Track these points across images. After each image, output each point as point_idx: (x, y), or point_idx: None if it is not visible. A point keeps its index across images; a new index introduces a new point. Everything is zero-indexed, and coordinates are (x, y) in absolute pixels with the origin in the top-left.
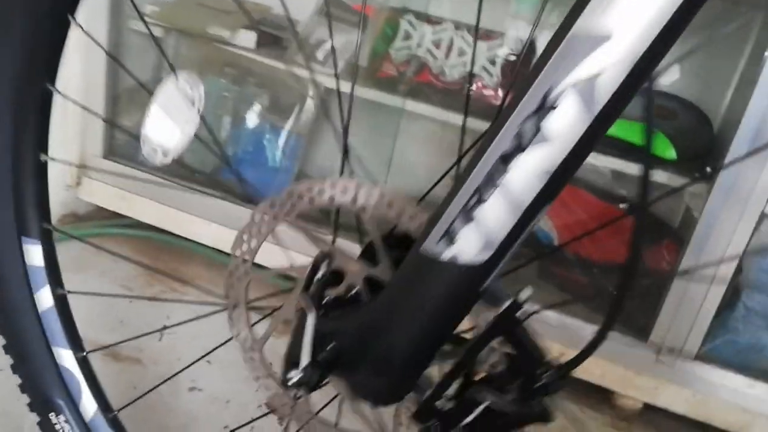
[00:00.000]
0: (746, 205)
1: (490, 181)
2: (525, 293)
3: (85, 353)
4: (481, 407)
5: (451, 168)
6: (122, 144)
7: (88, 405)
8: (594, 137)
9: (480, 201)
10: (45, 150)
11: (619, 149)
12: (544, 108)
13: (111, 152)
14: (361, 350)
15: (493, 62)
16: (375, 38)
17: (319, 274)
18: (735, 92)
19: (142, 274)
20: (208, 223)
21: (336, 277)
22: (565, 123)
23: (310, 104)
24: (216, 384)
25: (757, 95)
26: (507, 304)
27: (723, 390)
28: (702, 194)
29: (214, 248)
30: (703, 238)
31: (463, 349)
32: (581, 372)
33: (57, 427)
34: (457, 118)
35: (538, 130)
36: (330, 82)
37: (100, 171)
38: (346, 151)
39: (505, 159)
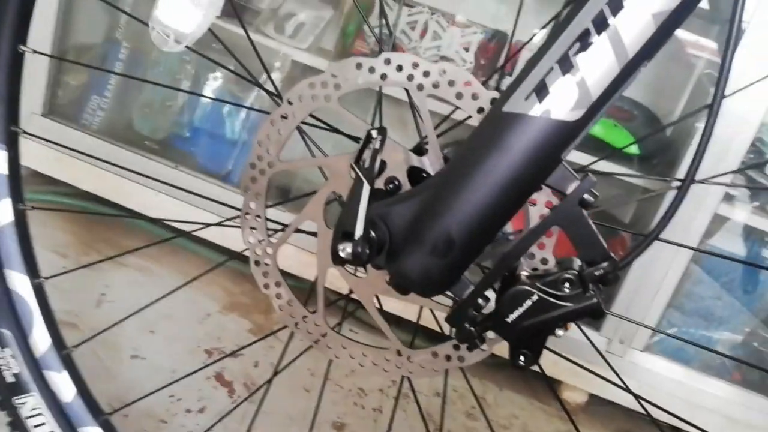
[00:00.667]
0: (701, 204)
1: (601, 22)
2: (591, 179)
3: (41, 280)
4: (531, 300)
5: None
6: (65, 103)
7: (40, 339)
8: None
9: (584, 47)
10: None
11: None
12: None
13: (51, 111)
14: (418, 230)
15: (467, 49)
16: (346, 17)
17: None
18: (688, 99)
19: (77, 242)
20: (155, 193)
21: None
22: None
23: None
24: (160, 354)
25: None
26: (575, 185)
27: (667, 382)
28: (658, 193)
29: (157, 221)
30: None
31: (516, 240)
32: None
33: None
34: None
35: None
36: (298, 56)
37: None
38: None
39: None
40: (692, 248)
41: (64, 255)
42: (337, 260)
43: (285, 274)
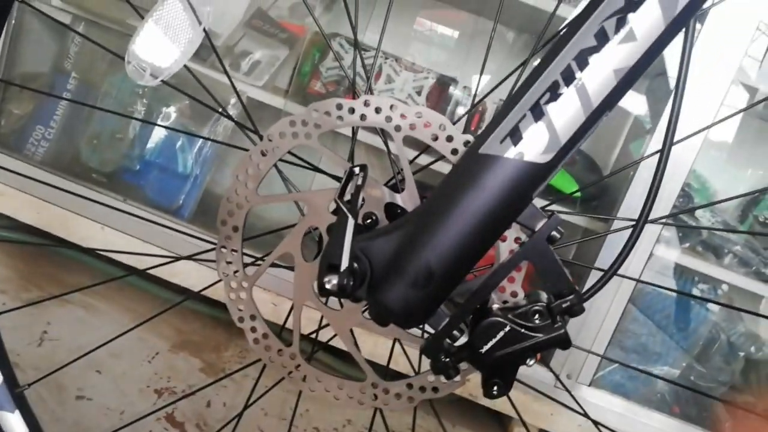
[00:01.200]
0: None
1: (569, 76)
2: (558, 217)
3: None
4: (504, 331)
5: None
6: (7, 132)
7: None
8: (669, 37)
9: (554, 97)
10: None
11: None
12: (631, 3)
13: None
14: (399, 263)
15: (419, 92)
16: (302, 58)
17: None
18: (622, 147)
19: (17, 277)
20: (101, 227)
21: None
22: (648, 20)
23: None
24: (107, 394)
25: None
26: (543, 222)
27: (611, 414)
28: (597, 230)
29: (103, 258)
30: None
31: (489, 273)
32: (483, 399)
33: None
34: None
35: (621, 25)
36: (253, 93)
37: None
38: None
39: (585, 55)
40: (654, 284)
41: (3, 291)
42: (323, 292)
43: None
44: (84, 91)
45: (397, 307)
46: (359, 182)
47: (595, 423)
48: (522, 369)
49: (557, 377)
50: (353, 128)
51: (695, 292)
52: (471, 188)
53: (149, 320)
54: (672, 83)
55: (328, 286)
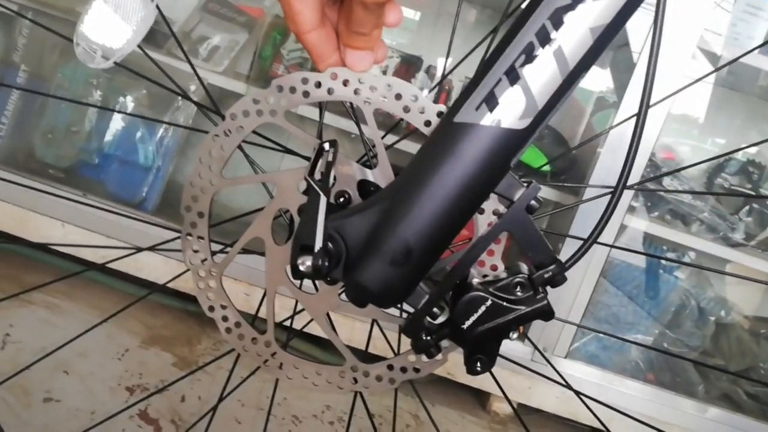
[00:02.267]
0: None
1: (544, 37)
2: (536, 186)
3: None
4: (485, 305)
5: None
6: None
7: None
8: None
9: (529, 59)
10: None
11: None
12: None
13: None
14: (376, 240)
15: (384, 72)
16: (262, 41)
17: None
18: (588, 120)
19: None
20: (62, 224)
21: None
22: None
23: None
24: (76, 395)
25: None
26: (521, 191)
27: (587, 384)
28: (567, 203)
29: (65, 255)
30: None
31: (468, 247)
32: (461, 377)
33: None
34: (343, 123)
35: None
36: (213, 79)
37: None
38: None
39: (560, 13)
40: (629, 249)
41: None
42: (297, 274)
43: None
44: (35, 84)
45: (375, 287)
46: (330, 158)
47: (577, 393)
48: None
49: (537, 348)
50: (321, 104)
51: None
52: (447, 159)
53: (114, 315)
54: (635, 56)
55: (302, 268)
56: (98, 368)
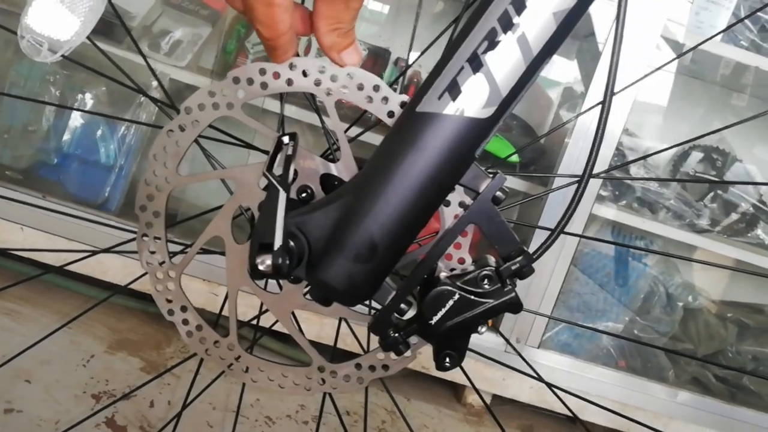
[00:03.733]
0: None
1: (506, 22)
2: (502, 176)
3: None
4: (453, 300)
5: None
6: None
7: None
8: None
9: (492, 46)
10: None
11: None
12: None
13: None
14: (339, 237)
15: None
16: (225, 35)
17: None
18: (556, 111)
19: None
20: (20, 228)
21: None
22: None
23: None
24: (40, 404)
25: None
26: (487, 182)
27: (561, 373)
28: (542, 198)
29: (26, 260)
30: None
31: (434, 241)
32: (435, 371)
33: None
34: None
35: None
36: (176, 74)
37: None
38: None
39: None
40: (596, 239)
41: None
42: (257, 274)
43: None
44: None
45: (339, 285)
46: (289, 152)
47: (549, 385)
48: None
49: (508, 342)
50: (281, 96)
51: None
52: (410, 150)
53: (75, 319)
54: (600, 46)
55: (261, 268)
56: (62, 376)
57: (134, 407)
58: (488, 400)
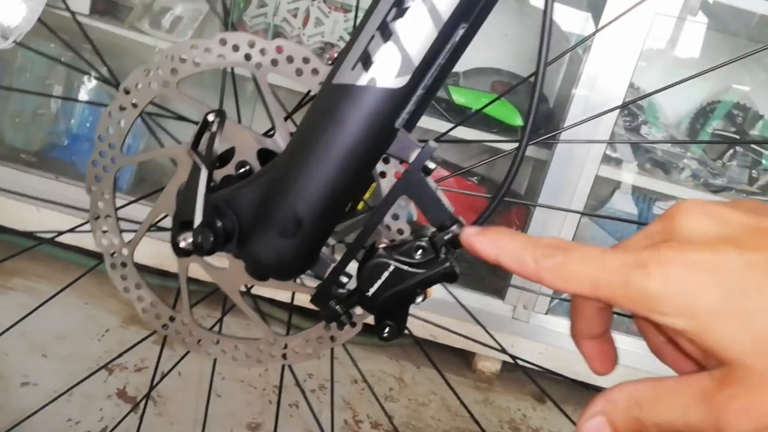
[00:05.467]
0: (582, 170)
1: None
2: (431, 146)
3: None
4: (388, 271)
5: None
6: None
7: None
8: None
9: (400, 13)
10: None
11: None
12: None
13: None
14: (265, 212)
15: (350, 33)
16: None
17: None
18: (565, 73)
19: None
20: (37, 208)
21: (223, 159)
22: None
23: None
24: (54, 378)
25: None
26: (416, 152)
27: (569, 339)
28: (546, 161)
29: (42, 239)
30: (548, 201)
31: (368, 215)
32: (443, 337)
33: None
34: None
35: None
36: None
37: None
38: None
39: None
40: (594, 215)
41: None
42: (179, 252)
43: (150, 272)
44: None
45: (269, 260)
46: (213, 129)
47: (513, 357)
48: (479, 302)
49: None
50: (223, 72)
51: (656, 211)
52: (328, 123)
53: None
54: None
55: (182, 245)
56: (77, 350)
57: (145, 379)
58: (499, 367)
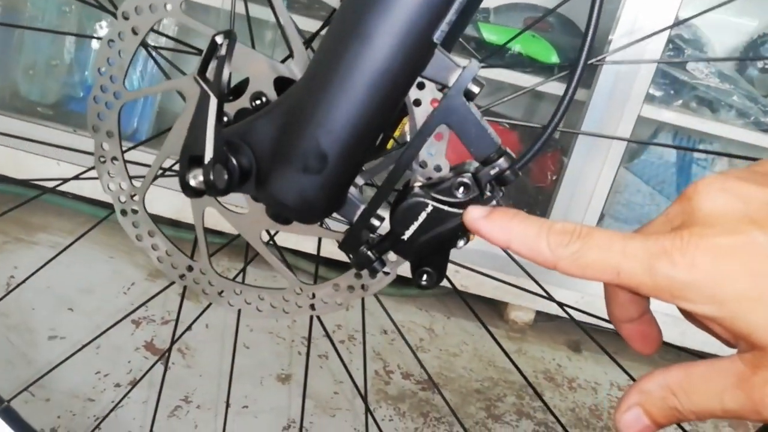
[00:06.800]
0: (623, 109)
1: None
2: (474, 65)
3: None
4: (426, 212)
5: None
6: None
7: None
8: None
9: None
10: None
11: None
12: None
13: None
14: (285, 147)
15: None
16: None
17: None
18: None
19: None
20: (57, 162)
21: (237, 92)
22: None
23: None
24: (80, 331)
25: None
26: (458, 73)
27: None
28: (584, 101)
29: (62, 193)
30: (585, 147)
31: (402, 149)
32: (474, 287)
33: None
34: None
35: None
36: None
37: None
38: None
39: None
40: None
41: None
42: (190, 191)
43: (165, 222)
44: (7, 18)
45: (291, 201)
46: (222, 52)
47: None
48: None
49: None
50: None
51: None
52: (353, 38)
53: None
54: None
55: (192, 183)
56: (104, 303)
57: (172, 331)
58: (532, 317)
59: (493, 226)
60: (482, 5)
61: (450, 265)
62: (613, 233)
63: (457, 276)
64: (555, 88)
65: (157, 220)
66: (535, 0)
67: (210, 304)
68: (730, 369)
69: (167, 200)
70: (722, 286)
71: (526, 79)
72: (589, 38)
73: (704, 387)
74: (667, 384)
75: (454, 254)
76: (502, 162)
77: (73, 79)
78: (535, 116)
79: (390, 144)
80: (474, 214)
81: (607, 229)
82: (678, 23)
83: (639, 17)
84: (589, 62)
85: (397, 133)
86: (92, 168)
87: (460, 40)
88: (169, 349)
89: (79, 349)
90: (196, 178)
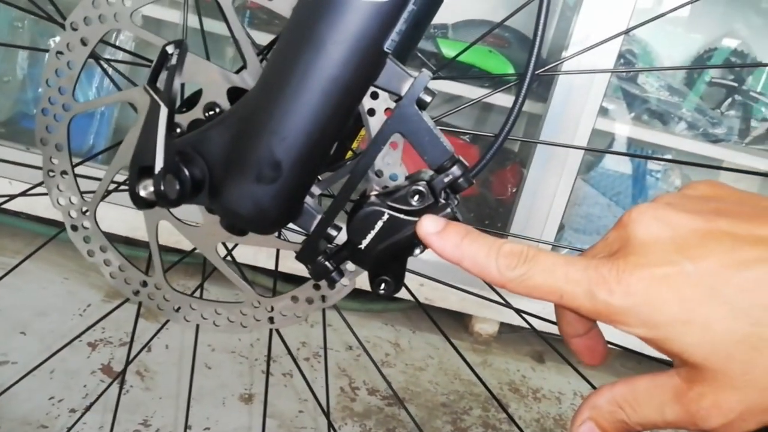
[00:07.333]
0: (579, 122)
1: None
2: (426, 74)
3: None
4: (382, 220)
5: None
6: None
7: None
8: None
9: None
10: None
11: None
12: None
13: None
14: (238, 156)
15: None
16: None
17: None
18: (558, 23)
19: None
20: (9, 181)
21: (190, 103)
22: None
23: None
24: (33, 355)
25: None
26: (411, 82)
27: None
28: (540, 114)
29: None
30: (542, 159)
31: (356, 160)
32: (439, 301)
33: None
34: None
35: None
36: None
37: None
38: None
39: None
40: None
41: None
42: (140, 202)
43: (120, 241)
44: None
45: (245, 211)
46: (173, 62)
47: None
48: None
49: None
50: (184, 3)
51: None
52: (305, 46)
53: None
54: None
55: (143, 194)
56: (58, 326)
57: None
58: (496, 329)
59: (445, 244)
60: (441, 21)
61: (415, 279)
62: (557, 258)
63: (422, 290)
64: (507, 100)
65: (111, 238)
66: (491, 16)
67: (167, 321)
68: (669, 383)
69: (121, 217)
70: (655, 312)
71: (480, 92)
72: (536, 48)
73: (647, 401)
74: (614, 398)
75: (418, 267)
76: (455, 170)
77: (26, 96)
78: (489, 128)
79: (348, 155)
80: (428, 228)
81: (551, 252)
82: (628, 30)
83: (591, 34)
84: (537, 72)
85: (354, 145)
86: (41, 183)
87: (420, 55)
88: (124, 370)
89: (29, 372)
90: (146, 189)
